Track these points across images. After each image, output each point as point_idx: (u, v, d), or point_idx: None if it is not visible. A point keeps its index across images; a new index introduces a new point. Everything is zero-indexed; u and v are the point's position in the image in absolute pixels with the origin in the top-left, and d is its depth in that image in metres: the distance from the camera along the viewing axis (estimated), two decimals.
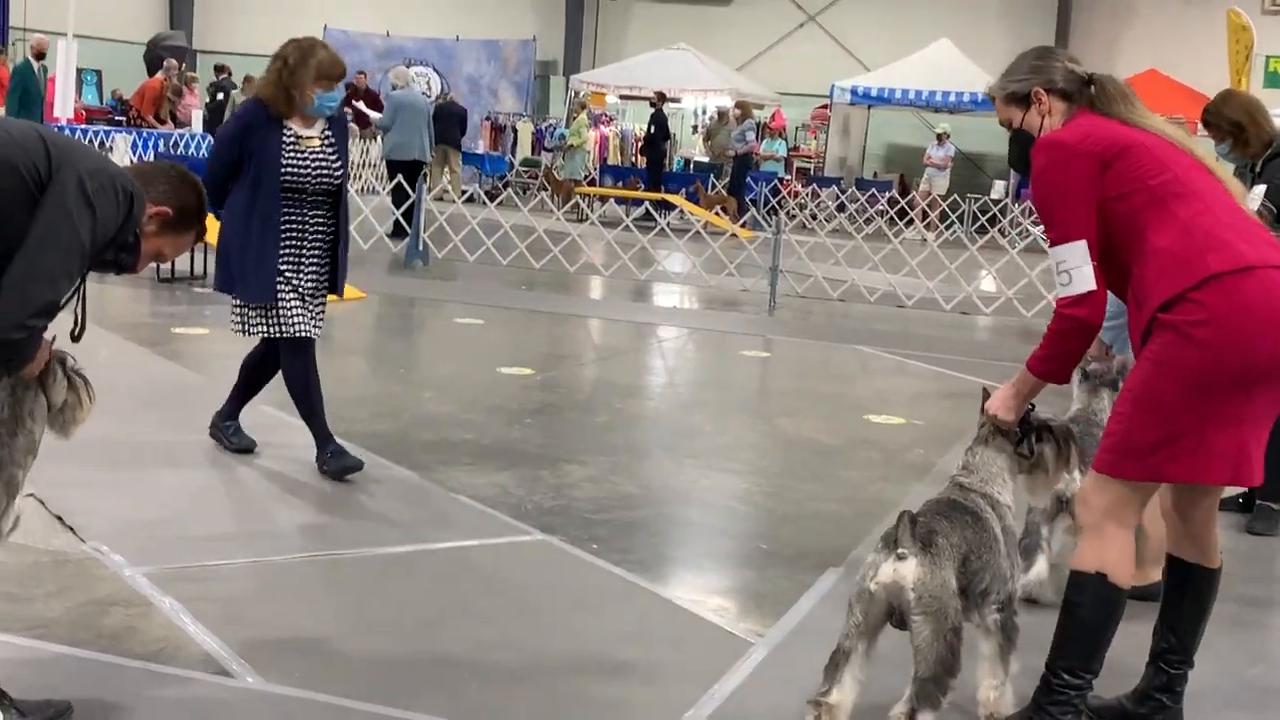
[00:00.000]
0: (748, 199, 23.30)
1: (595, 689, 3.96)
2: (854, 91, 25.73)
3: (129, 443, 6.15)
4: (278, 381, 6.06)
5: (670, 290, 14.29)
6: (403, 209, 15.36)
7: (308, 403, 5.95)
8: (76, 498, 5.22)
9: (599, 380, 9.31)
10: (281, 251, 5.83)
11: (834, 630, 3.57)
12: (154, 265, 4.34)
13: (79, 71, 22.67)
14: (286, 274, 5.85)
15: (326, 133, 5.94)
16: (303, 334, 5.88)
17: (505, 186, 24.14)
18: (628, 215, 16.04)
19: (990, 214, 23.35)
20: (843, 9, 30.18)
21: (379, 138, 19.96)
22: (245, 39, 29.17)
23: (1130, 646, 3.84)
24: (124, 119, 23.11)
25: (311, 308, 5.94)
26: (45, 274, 3.17)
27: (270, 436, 6.33)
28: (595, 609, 4.68)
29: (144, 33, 29.41)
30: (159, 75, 23.03)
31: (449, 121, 20.69)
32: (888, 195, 24.40)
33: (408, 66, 25.71)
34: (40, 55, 18.88)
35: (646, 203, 16.14)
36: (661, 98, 24.34)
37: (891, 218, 22.04)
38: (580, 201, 18.69)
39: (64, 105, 19.34)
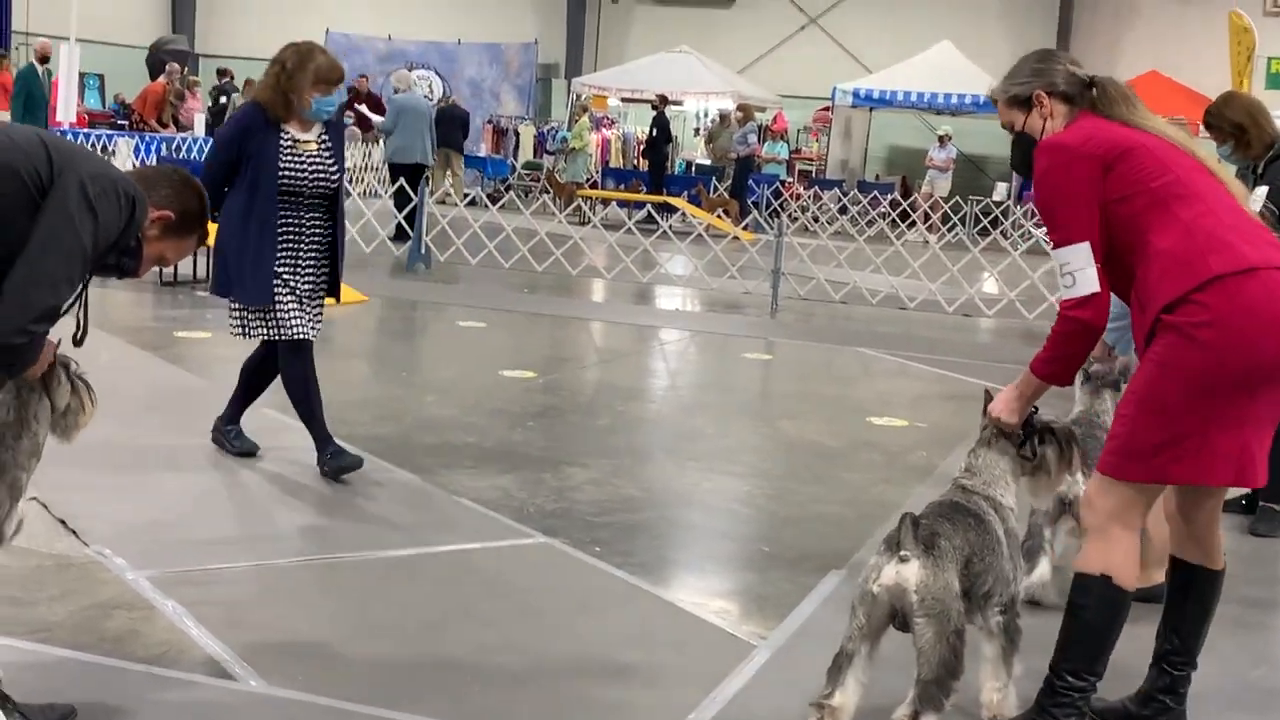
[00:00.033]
0: (750, 201, 23.30)
1: (598, 692, 3.96)
2: (855, 94, 25.75)
3: (132, 446, 6.16)
4: (279, 384, 6.06)
5: (672, 293, 14.29)
6: (405, 212, 15.38)
7: (307, 405, 5.96)
8: (79, 501, 5.22)
9: (601, 383, 9.31)
10: (279, 254, 5.85)
11: (836, 633, 3.57)
12: (156, 269, 4.33)
13: (81, 76, 22.70)
14: (284, 276, 5.87)
15: (323, 137, 5.97)
16: (300, 336, 5.90)
17: (507, 190, 24.14)
18: (630, 218, 16.06)
19: (992, 216, 23.35)
20: (844, 11, 30.20)
21: (381, 141, 19.98)
22: (247, 43, 29.21)
23: (1133, 648, 3.83)
24: (126, 123, 23.12)
25: (309, 309, 5.96)
26: (47, 279, 3.17)
27: (273, 440, 6.34)
28: (597, 612, 4.68)
29: (146, 37, 29.46)
30: (161, 79, 23.07)
31: (451, 125, 20.70)
32: (890, 197, 24.42)
33: (409, 70, 25.73)
34: (45, 59, 18.91)
35: (648, 205, 16.15)
36: (663, 100, 24.36)
37: (893, 220, 22.07)
38: (582, 204, 18.69)
39: (66, 109, 19.36)
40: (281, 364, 5.97)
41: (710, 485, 6.46)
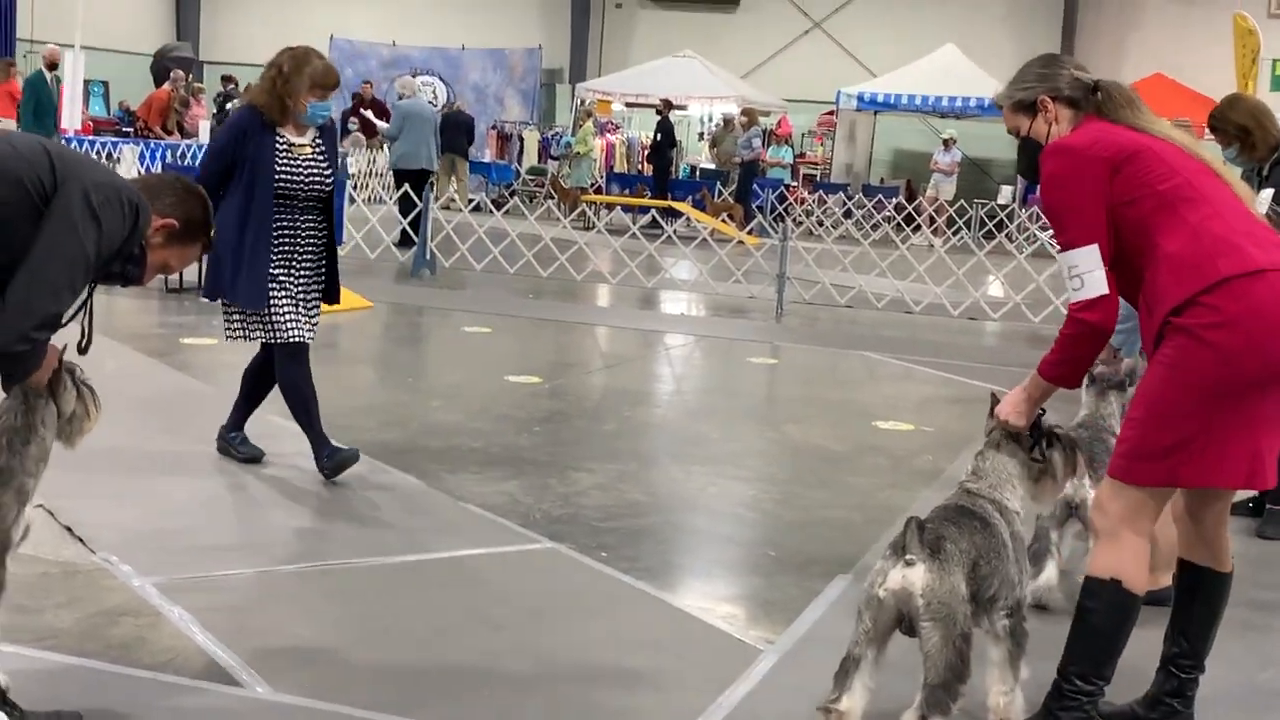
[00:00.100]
0: (754, 206, 23.28)
1: (604, 697, 3.96)
2: (860, 98, 25.74)
3: (138, 453, 6.17)
4: None
5: (677, 298, 14.29)
6: (409, 218, 15.39)
7: (304, 407, 5.98)
8: (85, 508, 5.22)
9: (607, 388, 9.31)
10: (275, 257, 5.88)
11: (843, 637, 3.56)
12: (161, 276, 4.34)
13: (86, 83, 22.75)
14: (280, 279, 5.89)
15: (318, 140, 6.02)
16: (296, 339, 5.92)
17: (512, 195, 24.14)
18: (634, 223, 16.07)
19: (998, 219, 23.33)
20: (848, 15, 30.18)
21: (386, 147, 20.00)
22: (251, 49, 29.15)
23: (1141, 651, 3.82)
24: (131, 130, 23.19)
25: (305, 312, 5.97)
26: (49, 286, 3.17)
27: (278, 446, 6.34)
28: (604, 617, 4.67)
29: (151, 44, 29.53)
30: (166, 86, 23.12)
31: (455, 130, 20.72)
32: (894, 201, 24.38)
33: (414, 76, 25.77)
34: (53, 66, 18.94)
35: (653, 210, 16.16)
36: (667, 105, 24.36)
37: (898, 224, 22.05)
38: (587, 209, 18.71)
39: (71, 116, 19.39)
40: (278, 367, 5.99)
41: (716, 490, 6.46)
